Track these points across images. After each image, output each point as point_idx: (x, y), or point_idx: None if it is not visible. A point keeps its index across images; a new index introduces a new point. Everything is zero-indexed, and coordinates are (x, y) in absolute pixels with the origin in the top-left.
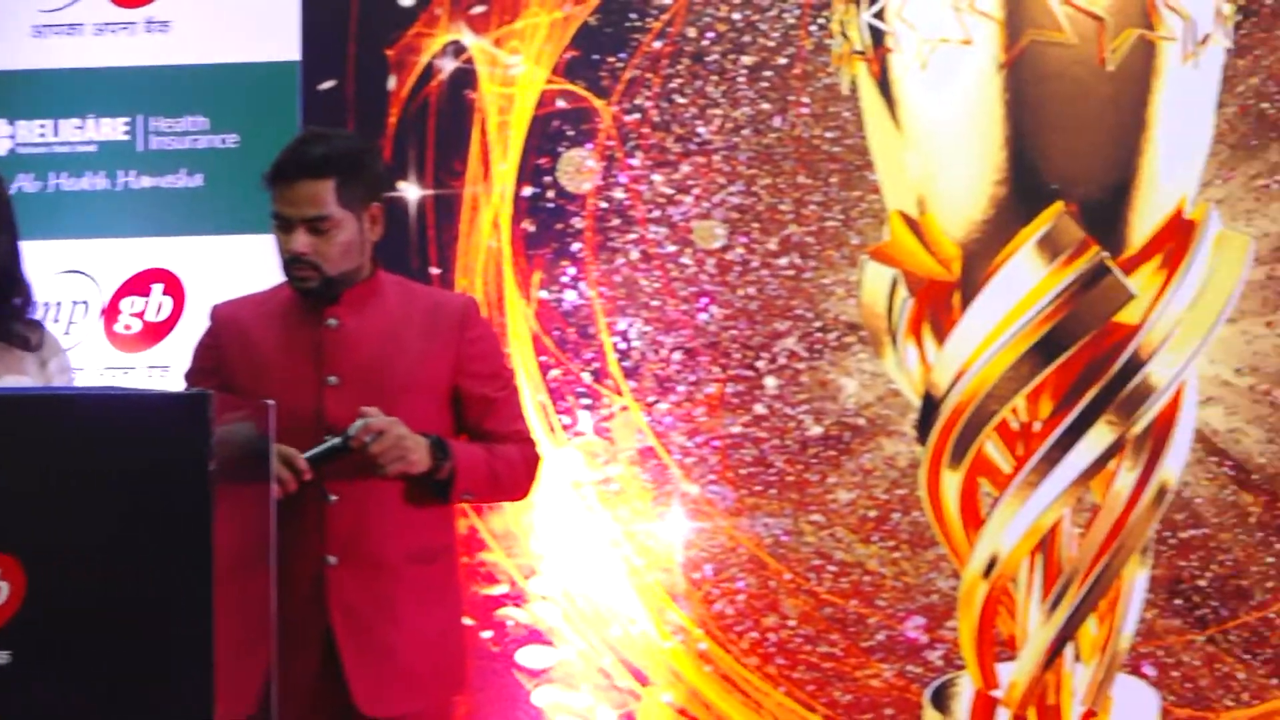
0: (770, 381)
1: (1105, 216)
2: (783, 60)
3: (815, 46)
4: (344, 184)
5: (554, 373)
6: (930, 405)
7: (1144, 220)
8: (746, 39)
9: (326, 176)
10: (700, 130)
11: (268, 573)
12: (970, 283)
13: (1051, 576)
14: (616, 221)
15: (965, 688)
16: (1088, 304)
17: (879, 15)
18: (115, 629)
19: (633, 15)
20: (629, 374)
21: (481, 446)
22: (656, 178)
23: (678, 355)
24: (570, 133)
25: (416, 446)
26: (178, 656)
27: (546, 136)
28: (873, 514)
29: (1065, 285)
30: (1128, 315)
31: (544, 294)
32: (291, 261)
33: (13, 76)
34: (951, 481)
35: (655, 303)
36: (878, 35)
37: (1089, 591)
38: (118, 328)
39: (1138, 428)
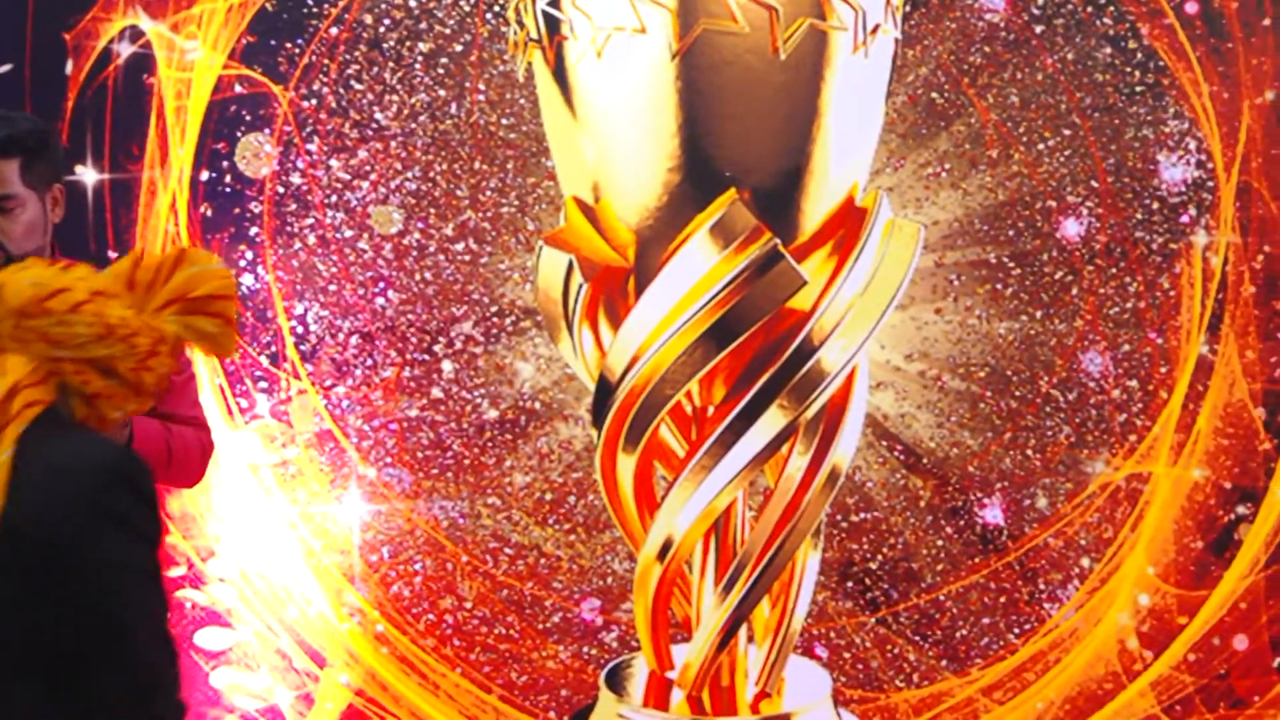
0: (447, 366)
1: (777, 204)
2: (459, 47)
3: (491, 34)
4: (28, 164)
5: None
6: (605, 390)
7: (816, 207)
8: (423, 26)
9: (11, 156)
10: (378, 116)
11: None
12: (645, 269)
13: (725, 559)
14: (294, 206)
15: (640, 669)
16: (760, 290)
17: (554, 3)
18: None
19: (310, 1)
20: (306, 358)
21: (160, 423)
22: (334, 163)
23: (355, 339)
24: (248, 118)
25: None
26: None
27: (224, 121)
28: (549, 497)
29: (738, 272)
30: (800, 301)
31: None
32: None
33: None
34: (627, 465)
35: (333, 287)
36: (553, 23)
37: (762, 574)
38: None
39: (810, 412)
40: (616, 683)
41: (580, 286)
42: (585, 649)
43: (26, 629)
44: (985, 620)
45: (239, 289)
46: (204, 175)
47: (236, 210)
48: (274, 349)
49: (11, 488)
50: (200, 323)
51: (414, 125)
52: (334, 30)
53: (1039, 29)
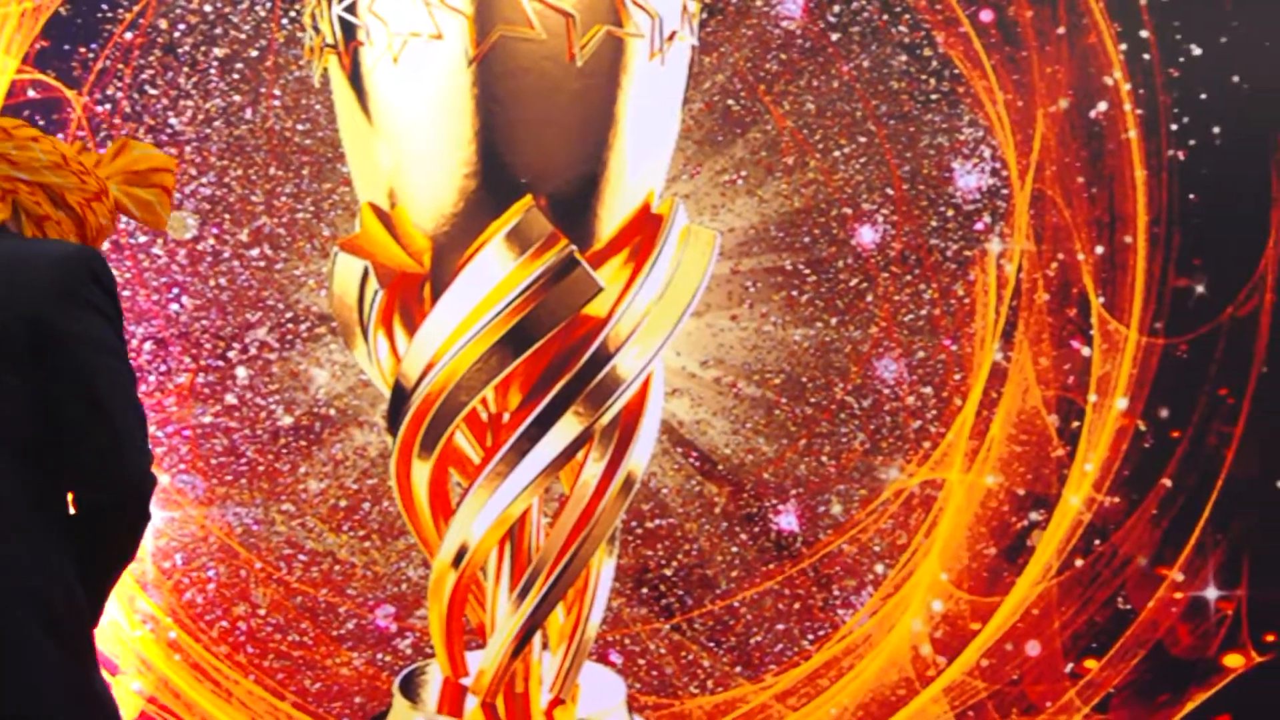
0: (241, 372)
1: (574, 210)
2: (254, 52)
3: (287, 39)
4: None
5: None
6: (401, 396)
7: (612, 214)
8: (218, 31)
9: None
10: (172, 121)
11: None
12: (441, 275)
13: (520, 565)
14: None
15: (434, 676)
16: (556, 296)
17: (350, 9)
18: None
19: (104, 6)
20: None
21: None
22: None
23: (149, 345)
24: (41, 122)
25: None
26: None
27: None
28: (343, 504)
29: (534, 278)
30: (595, 308)
31: None
32: None
33: None
34: (421, 471)
35: (127, 293)
36: (349, 29)
37: (557, 580)
38: None
39: (605, 419)
40: (411, 689)
41: (376, 292)
42: (379, 656)
43: (9, 406)
44: (780, 626)
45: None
46: None
47: None
48: None
49: None
50: (139, 192)
51: (209, 130)
52: (128, 35)
53: (835, 36)
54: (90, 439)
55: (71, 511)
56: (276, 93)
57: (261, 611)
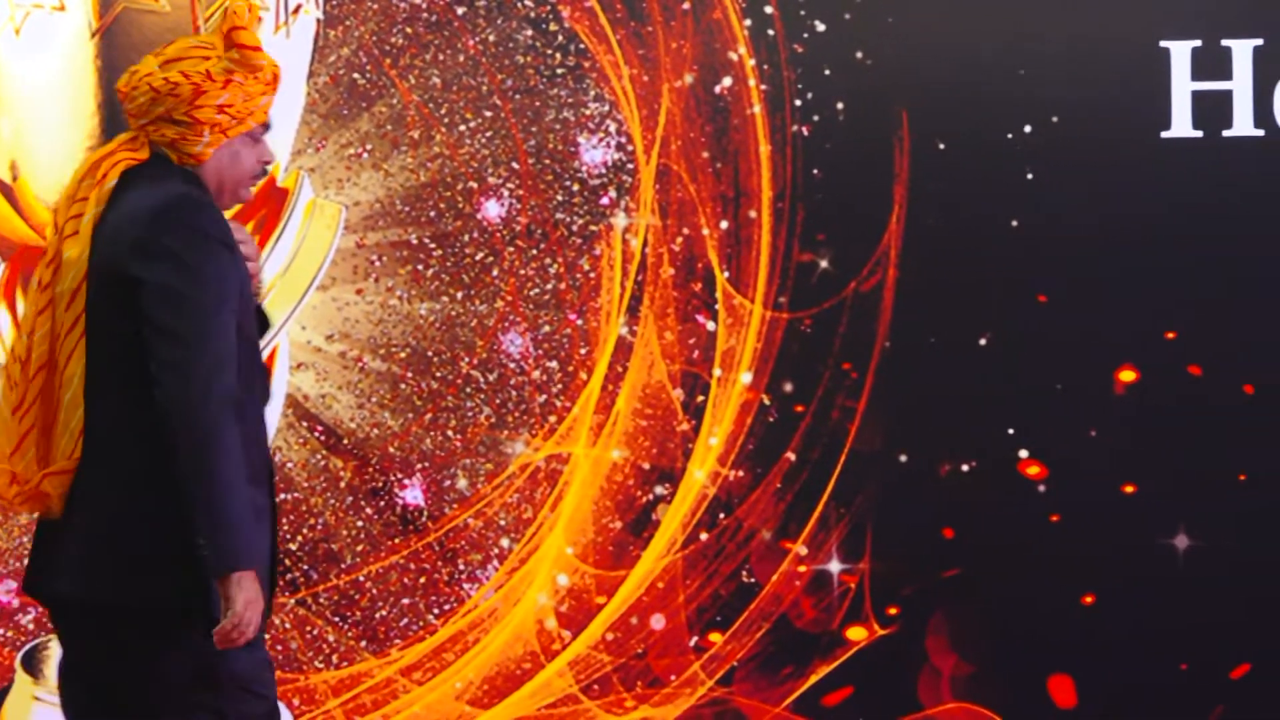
0: None
1: None
2: None
3: None
4: None
5: None
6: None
7: None
8: None
9: None
10: None
11: None
12: None
13: None
14: None
15: (56, 651)
16: None
17: None
18: None
19: None
20: None
21: None
22: None
23: None
24: None
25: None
26: None
27: None
28: None
29: None
30: None
31: None
32: None
33: None
34: None
35: None
36: None
37: None
38: None
39: None
40: (33, 665)
41: None
42: (2, 631)
43: (114, 348)
44: (405, 601)
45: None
46: None
47: None
48: None
49: (95, 236)
50: (231, 53)
51: None
52: None
53: (461, 10)
54: (156, 377)
55: None
56: None
57: None
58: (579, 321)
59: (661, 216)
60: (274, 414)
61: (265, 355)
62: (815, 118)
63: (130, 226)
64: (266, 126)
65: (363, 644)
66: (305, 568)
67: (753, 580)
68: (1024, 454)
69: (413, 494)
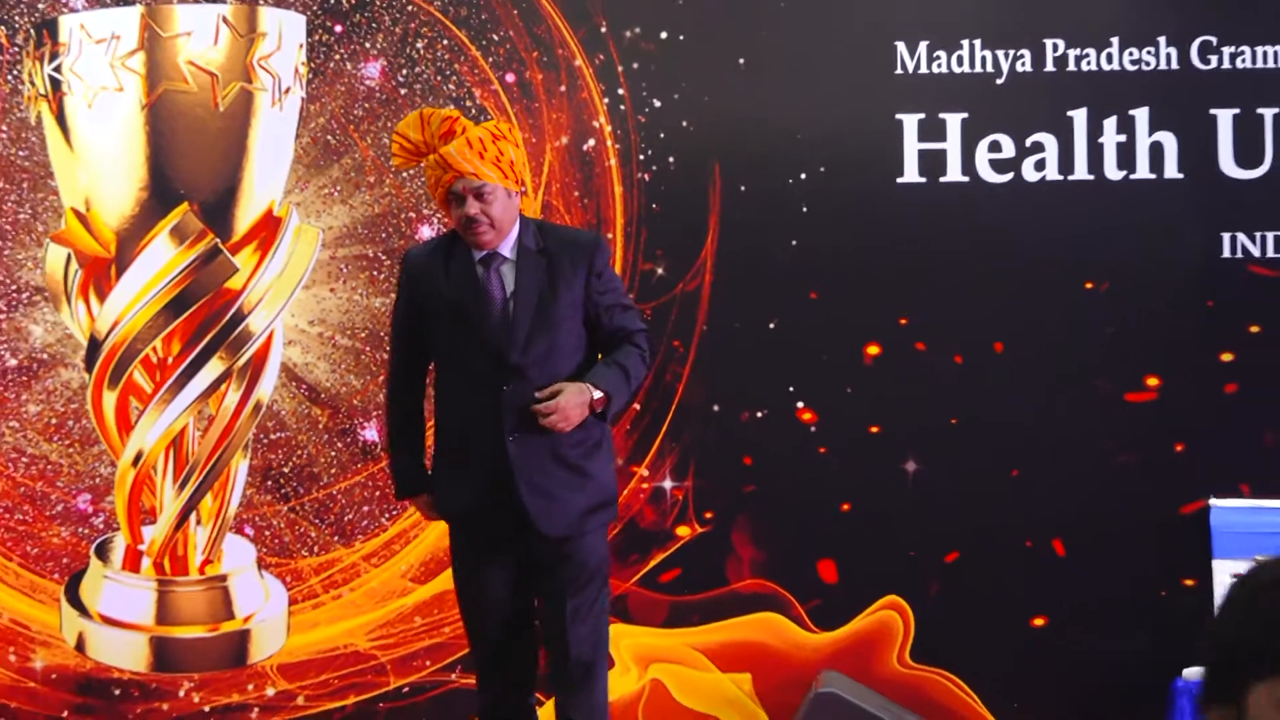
0: None
1: (218, 213)
2: None
3: (12, 90)
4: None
5: None
6: (95, 345)
7: (245, 216)
8: None
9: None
10: None
11: None
12: (123, 259)
13: (180, 465)
14: None
15: (120, 544)
16: (205, 275)
17: (57, 69)
18: None
19: None
20: None
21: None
22: None
23: None
24: None
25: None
26: None
27: None
28: (54, 421)
29: (189, 262)
30: (234, 283)
31: None
32: None
33: None
34: (110, 399)
35: None
36: (56, 83)
37: (206, 476)
38: None
39: (241, 362)
40: (103, 553)
41: (76, 271)
42: (80, 530)
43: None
44: (365, 508)
45: None
46: None
47: None
48: None
49: None
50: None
51: None
52: None
53: (404, 91)
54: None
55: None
56: (4, 128)
57: None
58: None
59: None
60: (272, 378)
61: (266, 335)
62: (654, 167)
63: None
64: (454, 195)
65: (335, 538)
66: (294, 484)
67: None
68: (800, 405)
69: (370, 433)
